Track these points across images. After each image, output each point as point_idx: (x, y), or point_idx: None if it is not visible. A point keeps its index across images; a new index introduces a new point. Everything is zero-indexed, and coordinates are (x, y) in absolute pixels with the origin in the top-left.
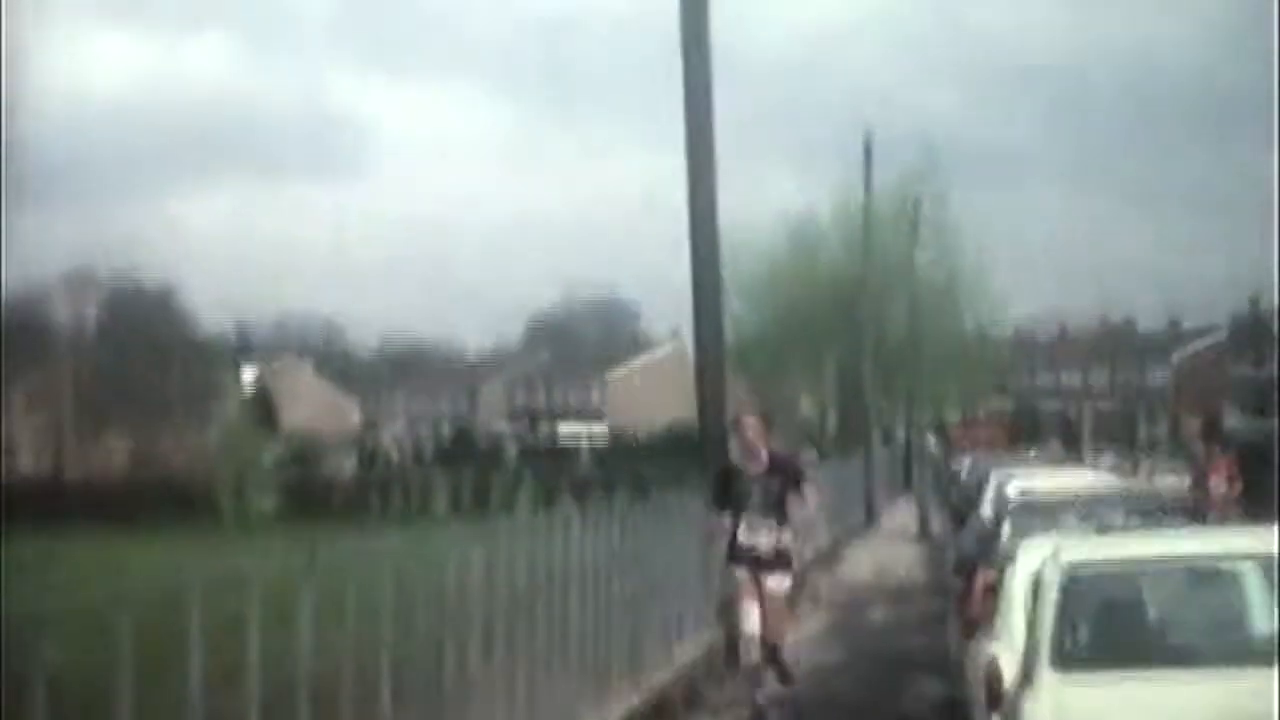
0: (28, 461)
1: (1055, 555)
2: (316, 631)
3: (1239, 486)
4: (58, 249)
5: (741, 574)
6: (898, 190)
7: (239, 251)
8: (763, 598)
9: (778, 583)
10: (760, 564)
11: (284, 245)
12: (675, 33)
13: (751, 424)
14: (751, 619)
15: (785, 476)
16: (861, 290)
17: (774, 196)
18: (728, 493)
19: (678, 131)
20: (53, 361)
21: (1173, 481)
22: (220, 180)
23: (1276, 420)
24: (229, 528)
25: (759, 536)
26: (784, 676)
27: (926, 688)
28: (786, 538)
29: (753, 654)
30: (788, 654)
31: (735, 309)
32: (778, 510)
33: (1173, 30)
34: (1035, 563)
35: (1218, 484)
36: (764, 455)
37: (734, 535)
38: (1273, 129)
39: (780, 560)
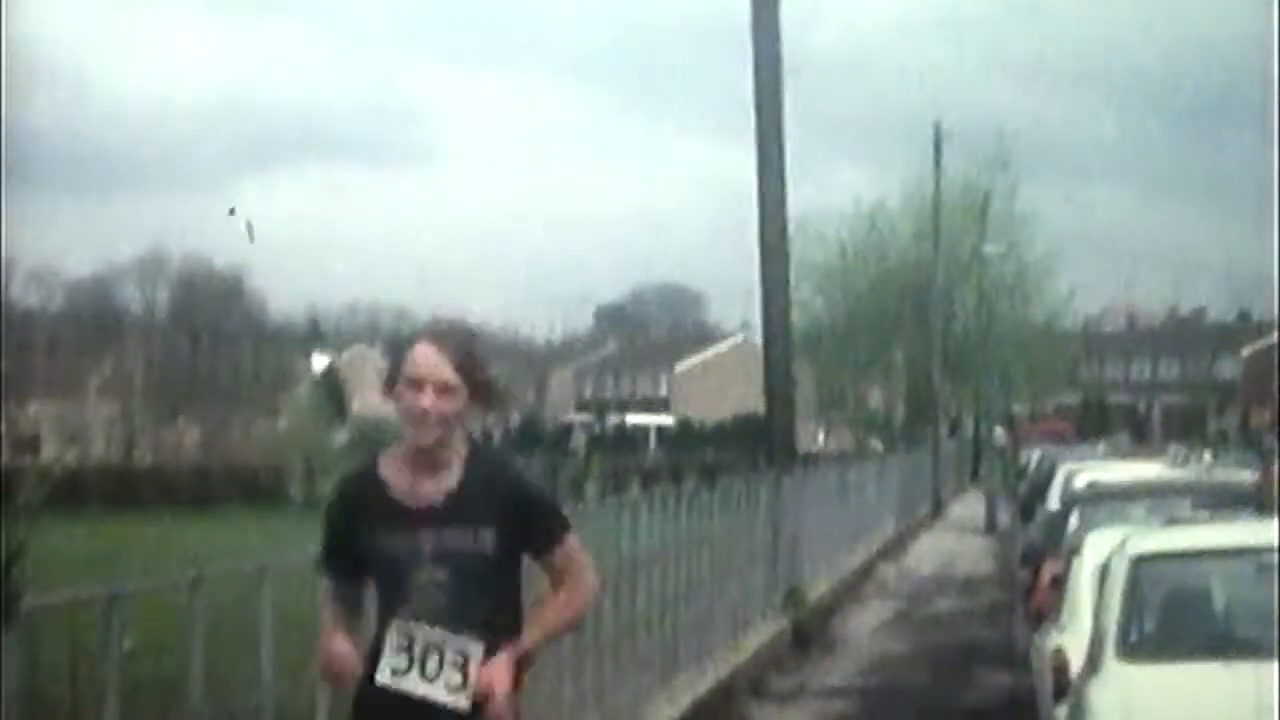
0: (99, 448)
1: (1123, 546)
2: None
3: None
4: (132, 236)
5: None
6: (967, 182)
7: (309, 240)
8: None
9: None
10: None
11: (354, 233)
12: (746, 26)
13: (431, 364)
14: None
15: (515, 522)
16: (931, 282)
17: (844, 187)
18: (351, 556)
19: (748, 123)
20: (124, 348)
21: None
22: (290, 169)
23: None
24: (298, 513)
25: (431, 678)
26: None
27: (993, 678)
28: (499, 672)
29: None
30: (851, 644)
31: (804, 300)
32: (483, 605)
33: (1247, 28)
34: (1103, 553)
35: None
36: (456, 461)
37: (367, 667)
38: None
39: None
